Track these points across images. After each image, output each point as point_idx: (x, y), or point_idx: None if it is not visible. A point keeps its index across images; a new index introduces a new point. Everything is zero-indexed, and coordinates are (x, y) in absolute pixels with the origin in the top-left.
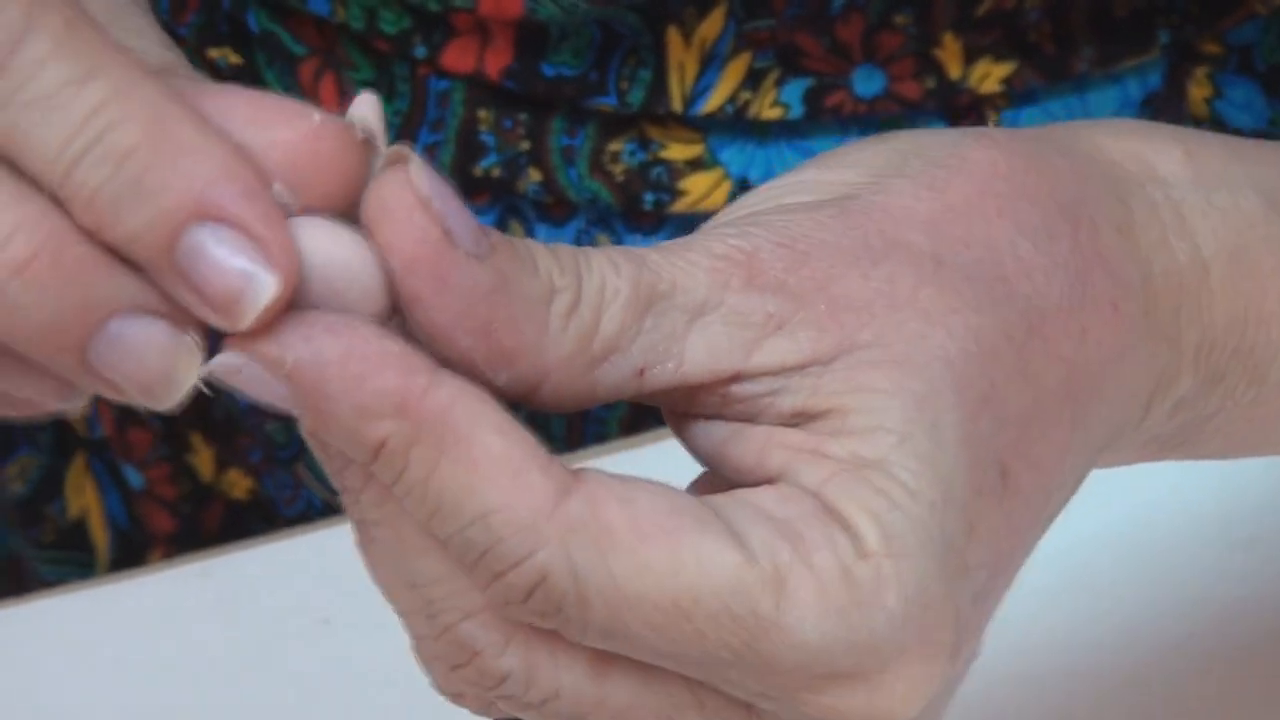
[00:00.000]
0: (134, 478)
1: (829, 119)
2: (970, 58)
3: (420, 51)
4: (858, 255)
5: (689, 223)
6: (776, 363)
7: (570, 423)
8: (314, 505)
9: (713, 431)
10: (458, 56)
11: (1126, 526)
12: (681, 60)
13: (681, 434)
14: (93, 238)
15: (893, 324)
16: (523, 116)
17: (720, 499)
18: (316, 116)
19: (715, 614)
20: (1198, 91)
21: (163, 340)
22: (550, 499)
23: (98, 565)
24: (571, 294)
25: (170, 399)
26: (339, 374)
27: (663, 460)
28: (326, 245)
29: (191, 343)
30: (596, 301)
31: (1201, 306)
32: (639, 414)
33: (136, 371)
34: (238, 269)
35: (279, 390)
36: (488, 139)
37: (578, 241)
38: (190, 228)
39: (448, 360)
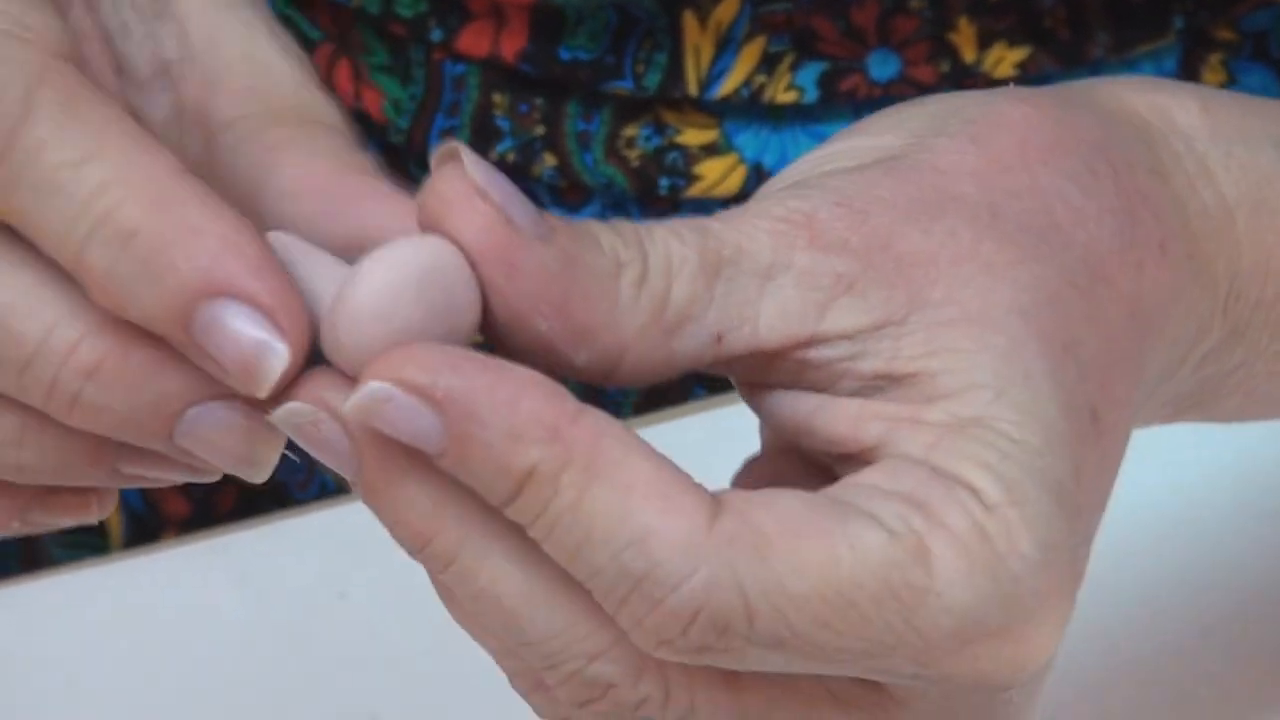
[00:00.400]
0: None
1: (844, 103)
2: (985, 42)
3: (436, 35)
4: (915, 211)
5: (704, 208)
6: (851, 325)
7: (584, 401)
8: (327, 488)
9: (799, 403)
10: (473, 40)
11: (1147, 496)
12: (697, 43)
13: (761, 407)
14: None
15: (960, 279)
16: (538, 101)
17: (834, 489)
18: None
19: (876, 595)
20: (1212, 78)
21: (239, 422)
22: (705, 517)
23: (111, 549)
24: (638, 266)
25: (258, 474)
26: (490, 399)
27: (675, 440)
28: (431, 252)
29: (268, 422)
30: (665, 270)
31: (1231, 254)
32: (651, 397)
33: (221, 452)
34: (250, 341)
35: (427, 421)
36: (503, 124)
37: None
38: (201, 305)
39: (529, 349)
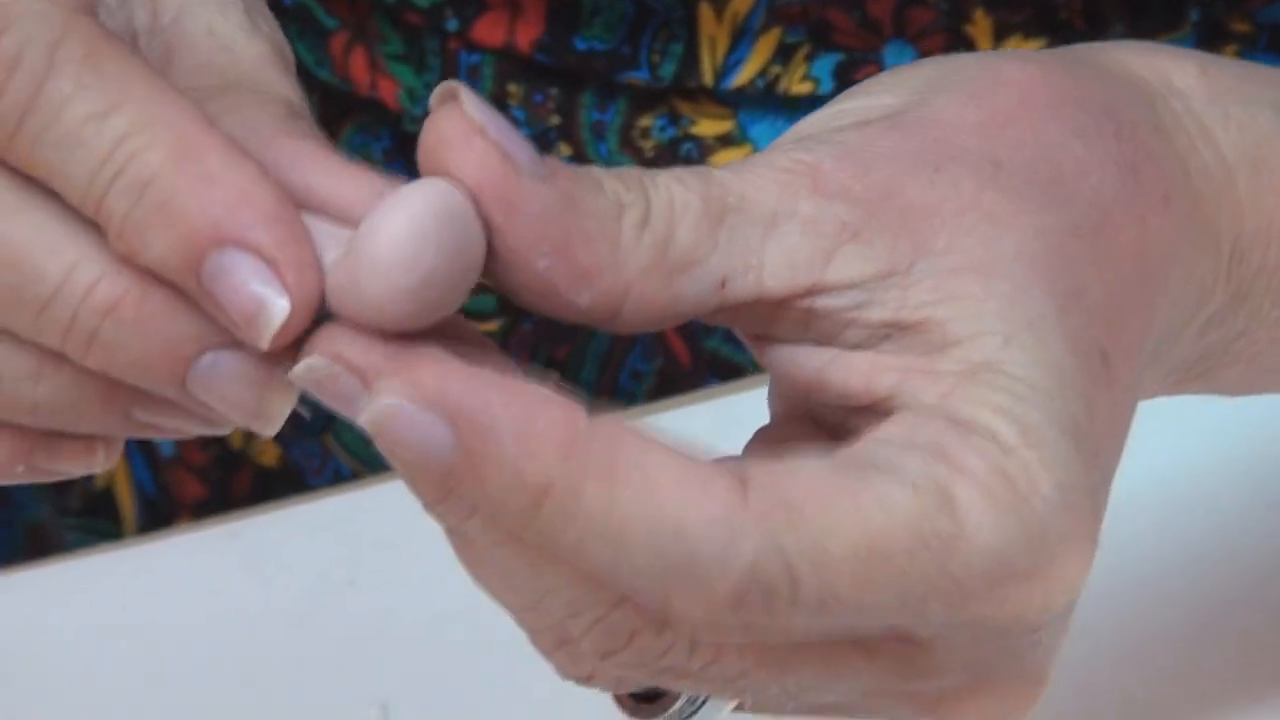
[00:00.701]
0: (165, 444)
1: None
2: (1000, 34)
3: (452, 25)
4: (918, 163)
5: None
6: (856, 273)
7: (599, 389)
8: (341, 474)
9: (811, 357)
10: (489, 30)
11: (1156, 482)
12: (713, 34)
13: (772, 362)
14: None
15: (963, 229)
16: (553, 91)
17: (854, 448)
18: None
19: (909, 548)
20: None
21: (251, 373)
22: (738, 495)
23: (124, 533)
24: (641, 208)
25: (268, 427)
26: (504, 413)
27: (686, 427)
28: (441, 195)
29: (282, 374)
30: (667, 214)
31: (1233, 214)
32: (665, 382)
33: (231, 401)
34: (253, 293)
35: (438, 434)
36: (518, 114)
37: None
38: (211, 252)
39: (531, 289)
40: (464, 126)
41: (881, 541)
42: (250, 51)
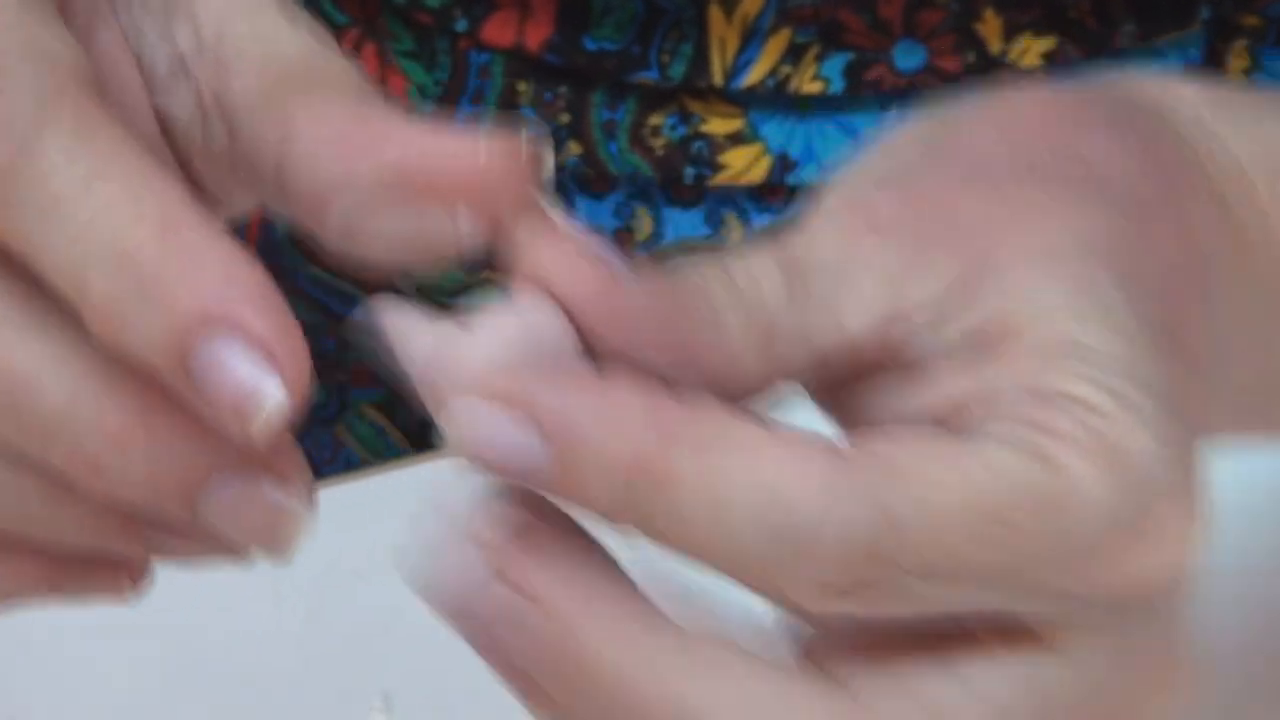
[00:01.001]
0: None
1: (869, 93)
2: (1010, 33)
3: (462, 25)
4: (960, 181)
5: (728, 196)
6: (927, 295)
7: None
8: (352, 464)
9: (884, 385)
10: (498, 30)
11: None
12: (723, 35)
13: (843, 403)
14: (112, 350)
15: (1018, 227)
16: (563, 89)
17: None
18: (484, 144)
19: (1018, 504)
20: (1236, 63)
21: (264, 498)
22: (834, 458)
23: None
24: (730, 288)
25: (281, 553)
26: (583, 400)
27: None
28: (534, 316)
29: (295, 499)
30: (753, 288)
31: (1259, 222)
32: None
33: (244, 526)
34: (246, 379)
35: (528, 442)
36: (527, 112)
37: (617, 214)
38: (199, 336)
39: None
40: (564, 248)
41: (989, 499)
42: (297, 45)
